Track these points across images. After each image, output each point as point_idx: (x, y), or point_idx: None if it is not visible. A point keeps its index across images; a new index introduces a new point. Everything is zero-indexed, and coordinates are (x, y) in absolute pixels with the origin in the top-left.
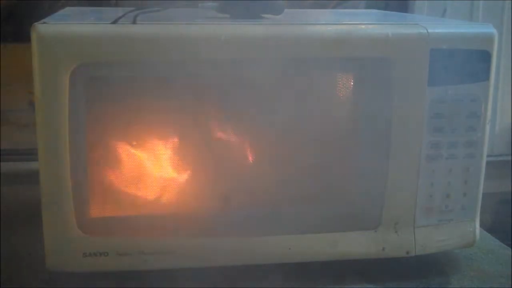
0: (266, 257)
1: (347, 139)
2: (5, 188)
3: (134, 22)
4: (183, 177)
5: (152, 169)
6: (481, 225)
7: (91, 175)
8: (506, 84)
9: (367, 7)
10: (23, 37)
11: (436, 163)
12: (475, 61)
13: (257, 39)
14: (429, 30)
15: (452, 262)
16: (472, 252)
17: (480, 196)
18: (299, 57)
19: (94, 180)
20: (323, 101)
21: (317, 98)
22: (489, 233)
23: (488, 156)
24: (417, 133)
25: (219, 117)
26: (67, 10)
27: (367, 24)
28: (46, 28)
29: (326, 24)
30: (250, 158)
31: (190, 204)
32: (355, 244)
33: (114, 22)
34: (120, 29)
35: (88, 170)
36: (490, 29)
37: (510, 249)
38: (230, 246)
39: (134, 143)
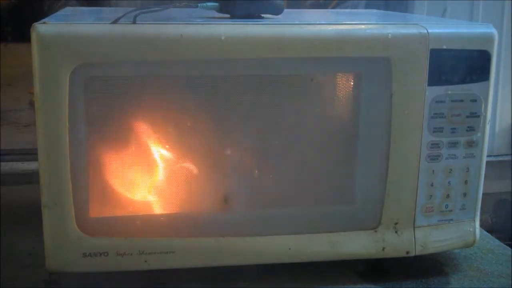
0: (266, 257)
1: (347, 139)
2: (5, 188)
3: (134, 22)
4: (183, 177)
5: (152, 169)
6: (481, 225)
7: (91, 175)
8: (506, 84)
9: (367, 7)
10: (23, 37)
11: (436, 163)
12: (475, 61)
13: (257, 39)
14: (429, 30)
15: (452, 262)
16: (472, 252)
17: (480, 196)
18: (299, 57)
19: (94, 180)
20: (323, 101)
21: (317, 98)
22: (489, 233)
23: (488, 156)
24: (417, 133)
25: (219, 117)
26: (67, 10)
27: (367, 24)
28: (46, 28)
29: (326, 24)
30: (250, 158)
31: (190, 204)
32: (355, 244)
33: (114, 22)
34: (120, 29)
35: (88, 170)
36: (490, 29)
37: (510, 249)
38: (230, 246)
39: (134, 143)
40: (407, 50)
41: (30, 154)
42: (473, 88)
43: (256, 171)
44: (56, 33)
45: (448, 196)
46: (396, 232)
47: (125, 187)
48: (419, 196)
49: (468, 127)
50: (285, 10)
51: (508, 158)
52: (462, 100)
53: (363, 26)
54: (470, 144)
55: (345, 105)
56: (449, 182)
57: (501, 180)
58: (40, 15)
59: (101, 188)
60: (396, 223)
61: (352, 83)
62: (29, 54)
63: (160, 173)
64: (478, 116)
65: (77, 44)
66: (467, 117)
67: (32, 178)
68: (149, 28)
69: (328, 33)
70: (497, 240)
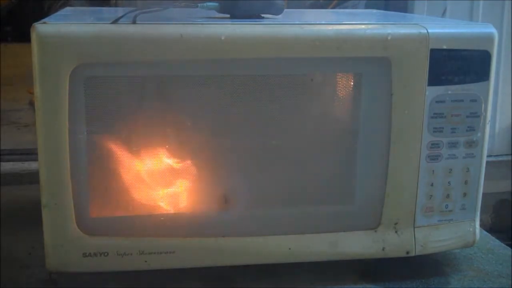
0: (266, 257)
1: (347, 139)
2: (5, 188)
3: (134, 22)
4: (183, 177)
5: (152, 169)
6: (481, 225)
7: (91, 175)
8: (506, 84)
9: (367, 7)
10: (23, 37)
11: (436, 163)
12: (475, 61)
13: (257, 39)
14: (429, 30)
15: (452, 262)
16: (472, 252)
17: (480, 196)
18: (299, 57)
19: (94, 180)
20: (323, 101)
21: (317, 98)
22: (489, 233)
23: (488, 156)
24: (417, 133)
25: (219, 117)
26: (67, 10)
27: (367, 24)
28: (46, 28)
29: (326, 24)
30: (250, 158)
31: (190, 204)
32: (355, 244)
33: (114, 22)
34: (120, 29)
35: (88, 170)
36: (490, 29)
37: (510, 249)
38: (230, 246)
39: (134, 143)
40: (407, 50)
41: (30, 154)
42: (473, 88)
43: (256, 171)
44: (56, 33)
45: (448, 196)
46: (396, 232)
47: (125, 187)
48: (419, 196)
49: (468, 127)
50: (285, 10)
51: (508, 158)
52: (462, 100)
53: (363, 26)
54: (470, 144)
55: (345, 105)
56: (449, 182)
57: (501, 180)
58: (40, 15)
59: (101, 188)
60: (396, 223)
61: (352, 83)
62: (29, 54)
63: (160, 173)
64: (478, 116)
65: (77, 44)
66: (467, 117)
67: (32, 178)
68: (149, 28)
69: (328, 33)
70: (497, 240)
